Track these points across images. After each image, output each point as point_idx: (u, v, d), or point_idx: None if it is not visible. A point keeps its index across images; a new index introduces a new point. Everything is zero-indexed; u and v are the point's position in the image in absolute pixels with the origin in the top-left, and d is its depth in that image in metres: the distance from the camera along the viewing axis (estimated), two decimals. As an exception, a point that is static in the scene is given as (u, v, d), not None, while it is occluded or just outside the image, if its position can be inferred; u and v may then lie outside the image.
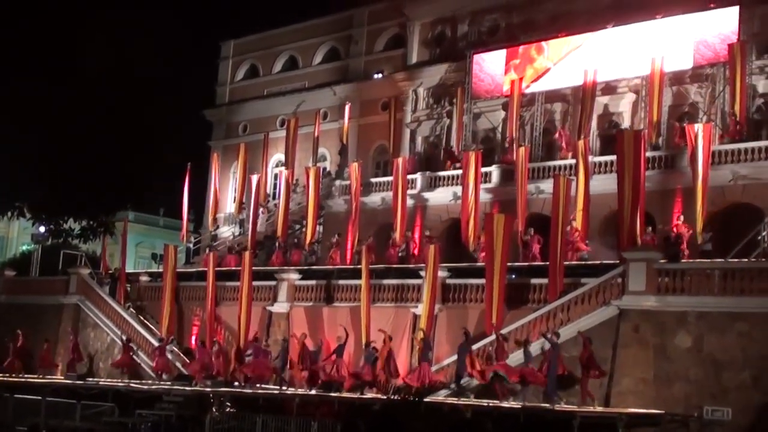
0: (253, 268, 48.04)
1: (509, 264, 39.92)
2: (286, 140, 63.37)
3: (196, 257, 65.73)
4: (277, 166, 69.00)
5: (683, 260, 37.71)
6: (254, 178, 60.68)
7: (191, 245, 68.04)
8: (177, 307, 51.05)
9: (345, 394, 38.55)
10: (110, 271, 57.84)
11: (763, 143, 45.10)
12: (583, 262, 41.72)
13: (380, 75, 66.25)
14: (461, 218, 50.04)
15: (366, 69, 67.98)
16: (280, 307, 46.69)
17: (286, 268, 49.19)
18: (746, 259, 36.14)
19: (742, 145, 45.19)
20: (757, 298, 32.48)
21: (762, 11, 48.94)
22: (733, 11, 48.67)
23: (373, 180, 59.29)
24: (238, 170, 65.23)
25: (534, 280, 39.22)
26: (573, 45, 54.52)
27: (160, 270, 54.70)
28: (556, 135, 53.98)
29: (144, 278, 56.12)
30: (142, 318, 52.33)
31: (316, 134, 64.50)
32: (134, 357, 48.38)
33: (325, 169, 64.37)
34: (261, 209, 60.60)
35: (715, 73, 49.79)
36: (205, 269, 50.59)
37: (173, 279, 51.24)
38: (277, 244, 55.85)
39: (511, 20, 59.72)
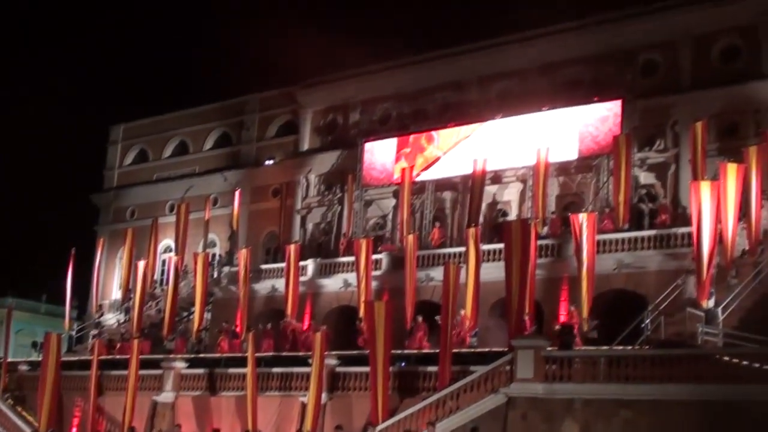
0: (141, 356, 46.96)
1: (399, 351, 39.74)
2: (176, 226, 62.57)
3: (78, 345, 64.02)
4: (165, 251, 68.04)
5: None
6: (141, 264, 59.65)
7: (74, 333, 66.30)
8: (59, 397, 49.43)
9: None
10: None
11: (645, 233, 46.12)
12: (472, 350, 41.79)
13: (271, 161, 66.29)
14: (353, 305, 49.89)
15: (257, 155, 67.96)
16: (165, 396, 45.59)
17: (172, 356, 48.20)
18: (631, 347, 36.60)
19: (625, 235, 46.14)
20: (641, 386, 32.83)
21: (643, 105, 50.52)
22: (616, 105, 50.19)
23: (264, 266, 58.83)
24: (125, 256, 64.15)
25: (423, 368, 39.07)
26: (462, 135, 55.42)
27: (41, 359, 53.07)
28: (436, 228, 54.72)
29: (23, 367, 54.30)
30: (20, 409, 50.51)
31: (205, 220, 63.94)
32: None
33: (214, 255, 63.71)
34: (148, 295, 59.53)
35: (599, 164, 51.05)
36: (88, 358, 49.23)
37: (55, 368, 49.66)
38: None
39: (402, 109, 60.53)
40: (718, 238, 38.84)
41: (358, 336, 46.50)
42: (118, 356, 50.11)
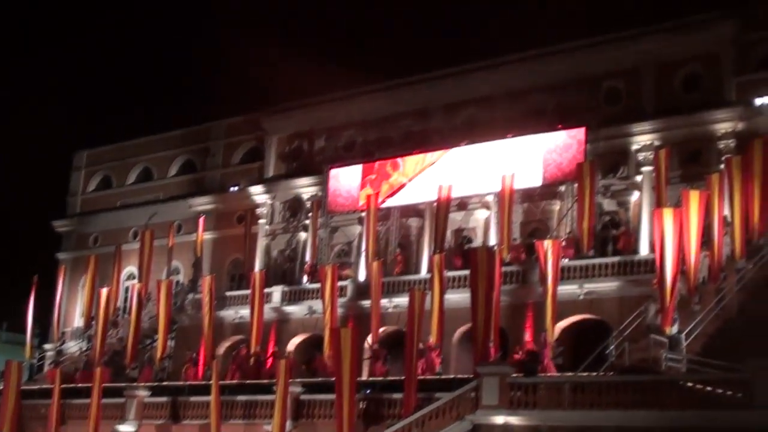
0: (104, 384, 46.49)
1: (366, 379, 39.56)
2: (140, 253, 62.18)
3: (40, 374, 63.33)
4: (128, 279, 67.53)
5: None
6: (104, 292, 59.17)
7: (36, 361, 65.58)
8: (19, 426, 48.77)
9: None
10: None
11: (609, 259, 46.39)
12: (438, 377, 41.71)
13: (236, 188, 66.03)
14: (319, 332, 49.73)
15: (222, 181, 67.74)
16: (128, 425, 45.11)
17: (134, 384, 47.76)
18: (595, 373, 36.65)
19: (589, 261, 46.37)
20: (606, 412, 32.81)
21: (606, 133, 50.83)
22: (580, 132, 50.50)
23: (228, 294, 58.55)
24: (87, 283, 63.62)
25: (389, 395, 38.93)
26: (428, 161, 55.51)
27: (1, 388, 52.39)
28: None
29: (-17, 396, 53.53)
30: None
31: (169, 247, 63.60)
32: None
33: (178, 282, 63.30)
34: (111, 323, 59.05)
35: (564, 191, 51.30)
36: (50, 386, 48.67)
37: (15, 397, 49.02)
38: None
39: (367, 136, 60.59)
40: (681, 265, 39.06)
41: (314, 361, 46.47)
42: (80, 384, 49.53)
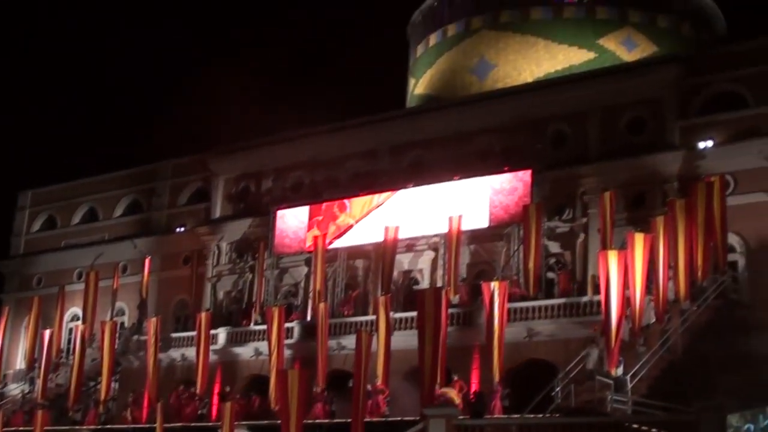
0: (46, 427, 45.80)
1: (312, 421, 39.28)
2: (85, 294, 61.51)
3: (-19, 416, 62.09)
4: (72, 320, 66.70)
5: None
6: (47, 333, 58.42)
7: (-25, 404, 64.39)
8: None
9: None
10: None
11: (555, 301, 46.59)
12: (384, 419, 41.55)
13: (183, 228, 65.69)
14: (265, 374, 49.40)
15: (168, 222, 67.34)
16: (70, 469, 44.45)
17: (77, 427, 47.07)
18: (542, 415, 36.71)
19: (535, 303, 46.55)
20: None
21: (552, 176, 51.25)
22: (526, 174, 50.85)
23: (174, 335, 58.01)
24: (30, 324, 62.77)
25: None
26: (375, 203, 55.59)
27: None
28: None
29: None
30: None
31: (114, 288, 63.01)
32: None
33: (122, 323, 62.68)
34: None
35: (510, 233, 51.57)
36: (-10, 429, 47.85)
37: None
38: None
39: (314, 177, 60.63)
40: (627, 307, 39.34)
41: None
42: (21, 428, 48.72)
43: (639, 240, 40.32)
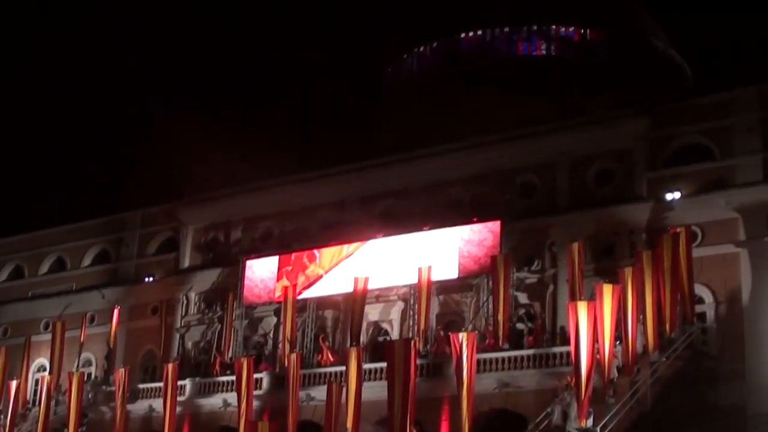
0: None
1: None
2: (52, 344, 61.03)
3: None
4: (39, 371, 65.96)
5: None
6: (13, 384, 57.81)
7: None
8: None
9: None
10: None
11: (524, 352, 46.55)
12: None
13: (151, 278, 65.32)
14: (233, 425, 49.02)
15: (137, 272, 66.94)
16: None
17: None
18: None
19: (505, 354, 46.51)
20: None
21: (521, 227, 51.42)
22: (495, 225, 51.01)
23: (141, 386, 57.50)
24: (-4, 375, 62.07)
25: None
26: (344, 253, 55.57)
27: None
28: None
29: None
30: None
31: (82, 339, 62.50)
32: None
33: (89, 374, 62.09)
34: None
35: (479, 284, 51.62)
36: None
37: None
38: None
39: (284, 227, 60.60)
40: (596, 358, 39.39)
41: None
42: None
43: (607, 291, 40.49)
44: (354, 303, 52.90)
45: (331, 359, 52.67)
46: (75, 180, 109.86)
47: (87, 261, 70.76)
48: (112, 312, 63.04)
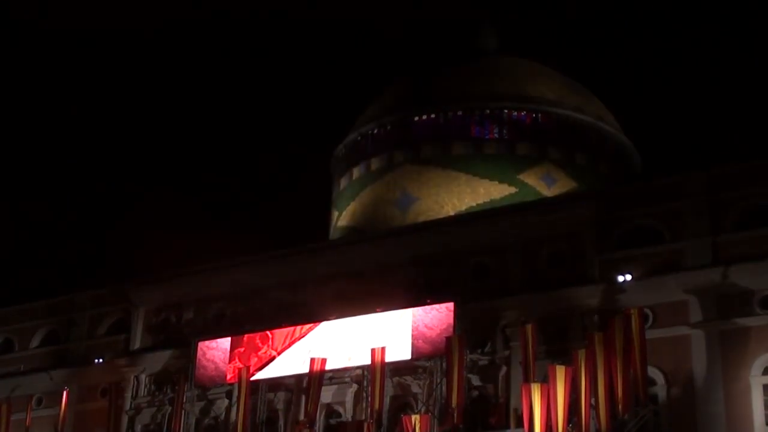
0: None
1: None
2: (-5, 428, 59.86)
3: None
4: (-18, 457, 64.53)
5: None
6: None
7: None
8: None
9: None
10: None
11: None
12: None
13: (101, 360, 64.35)
14: None
15: (86, 353, 65.87)
16: None
17: None
18: None
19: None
20: None
21: (474, 308, 51.51)
22: (449, 306, 51.08)
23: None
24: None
25: None
26: (297, 334, 55.30)
27: None
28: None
29: None
30: None
31: (27, 423, 61.27)
32: None
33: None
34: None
35: (433, 366, 51.48)
36: None
37: None
38: None
39: (236, 308, 60.22)
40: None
41: None
42: None
43: (560, 373, 40.70)
44: (310, 384, 52.49)
45: None
46: (23, 260, 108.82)
47: (35, 342, 69.60)
48: (60, 394, 62.00)
